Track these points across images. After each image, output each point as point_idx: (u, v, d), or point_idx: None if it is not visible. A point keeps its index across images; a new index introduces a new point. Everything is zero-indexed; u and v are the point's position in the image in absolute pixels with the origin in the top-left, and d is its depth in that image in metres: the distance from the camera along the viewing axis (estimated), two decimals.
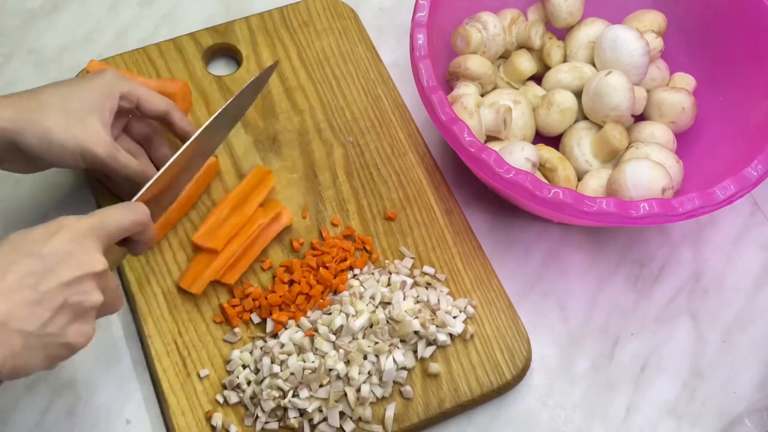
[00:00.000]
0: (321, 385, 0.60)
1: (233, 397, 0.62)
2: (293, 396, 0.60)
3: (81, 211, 0.70)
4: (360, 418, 0.61)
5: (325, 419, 0.60)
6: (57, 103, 0.61)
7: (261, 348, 0.63)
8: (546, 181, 0.67)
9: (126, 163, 0.63)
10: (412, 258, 0.68)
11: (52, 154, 0.60)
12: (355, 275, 0.67)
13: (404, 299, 0.64)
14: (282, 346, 0.62)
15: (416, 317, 0.63)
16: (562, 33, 0.78)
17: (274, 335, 0.64)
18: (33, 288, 0.49)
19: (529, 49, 0.76)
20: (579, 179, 0.71)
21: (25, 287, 0.49)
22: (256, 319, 0.65)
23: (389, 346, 0.62)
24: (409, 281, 0.66)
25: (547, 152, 0.71)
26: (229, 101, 0.65)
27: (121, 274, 0.67)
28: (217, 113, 0.64)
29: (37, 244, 0.51)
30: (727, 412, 0.67)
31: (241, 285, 0.66)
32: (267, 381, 0.61)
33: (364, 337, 0.62)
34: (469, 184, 0.74)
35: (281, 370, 0.61)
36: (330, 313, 0.63)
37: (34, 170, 0.63)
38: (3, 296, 0.48)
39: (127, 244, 0.58)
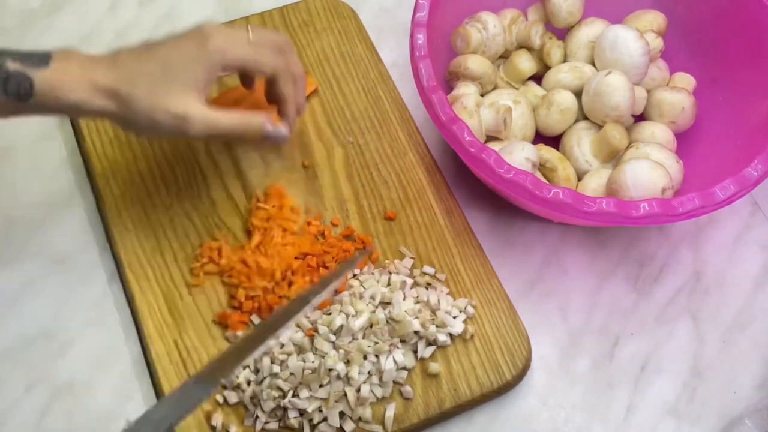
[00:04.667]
0: (321, 385, 0.60)
1: (233, 397, 0.62)
2: (293, 396, 0.60)
3: (81, 212, 0.71)
4: (360, 418, 0.61)
5: (325, 419, 0.60)
6: (146, 87, 0.57)
7: None
8: (546, 181, 0.67)
9: (227, 126, 0.60)
10: (412, 258, 0.68)
11: (152, 130, 0.58)
12: (355, 275, 0.67)
13: (404, 299, 0.64)
14: (282, 346, 0.62)
15: (416, 317, 0.63)
16: (562, 33, 0.78)
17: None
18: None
19: (529, 49, 0.76)
20: (579, 179, 0.71)
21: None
22: (256, 319, 0.65)
23: (389, 346, 0.62)
24: (409, 281, 0.66)
25: (547, 152, 0.71)
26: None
27: (121, 274, 0.67)
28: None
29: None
30: (727, 412, 0.67)
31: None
32: (267, 381, 0.61)
33: (364, 337, 0.62)
34: (469, 184, 0.74)
35: (281, 370, 0.61)
36: (330, 313, 0.63)
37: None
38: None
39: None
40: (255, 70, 0.62)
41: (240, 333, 0.64)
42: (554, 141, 0.74)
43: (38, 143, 0.73)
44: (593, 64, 0.74)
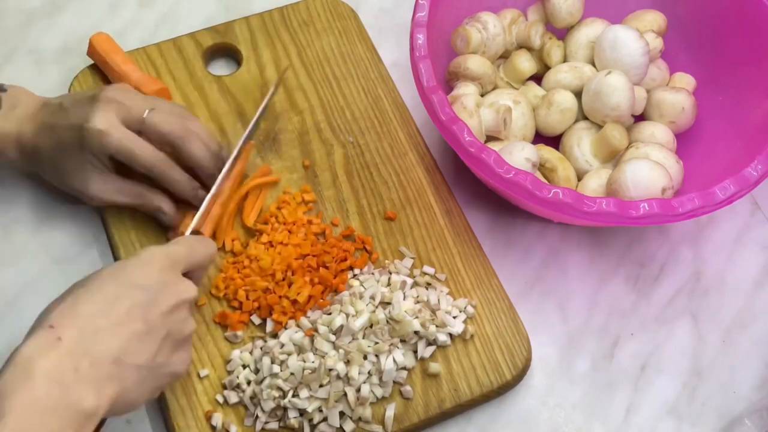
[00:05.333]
0: (321, 385, 0.60)
1: (233, 397, 0.62)
2: (293, 396, 0.60)
3: (81, 212, 0.70)
4: (360, 418, 0.61)
5: (325, 419, 0.60)
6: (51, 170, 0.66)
7: (261, 348, 0.63)
8: (546, 181, 0.67)
9: (122, 202, 0.65)
10: (412, 258, 0.68)
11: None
12: (355, 275, 0.67)
13: (404, 299, 0.64)
14: (282, 346, 0.62)
15: (416, 317, 0.63)
16: (562, 33, 0.78)
17: (274, 335, 0.64)
18: (141, 320, 0.49)
19: (529, 49, 0.76)
20: (579, 179, 0.71)
21: (134, 319, 0.49)
22: (256, 319, 0.65)
23: (389, 346, 0.62)
24: (409, 281, 0.66)
25: (547, 152, 0.71)
26: (256, 116, 0.71)
27: None
28: (248, 130, 0.70)
29: (134, 276, 0.51)
30: (727, 412, 0.67)
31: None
32: (267, 381, 0.61)
33: (364, 337, 0.62)
34: (469, 184, 0.74)
35: (281, 370, 0.61)
36: (330, 313, 0.63)
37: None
38: (115, 330, 0.48)
39: None
40: (139, 158, 0.63)
41: (240, 333, 0.64)
42: (554, 141, 0.74)
43: None
44: (593, 64, 0.74)
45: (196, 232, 0.63)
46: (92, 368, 0.46)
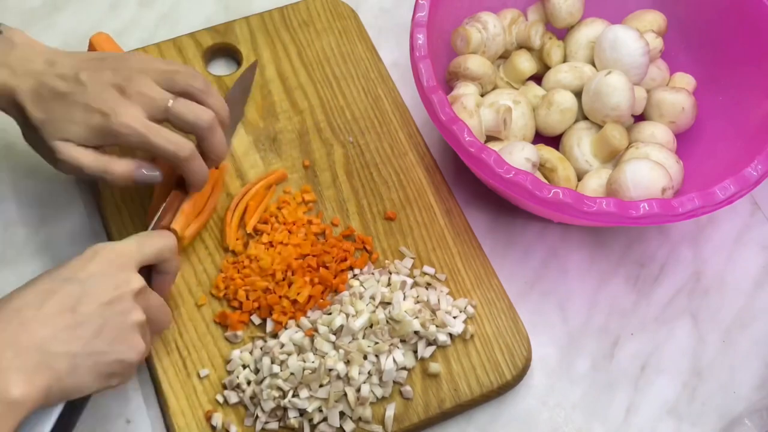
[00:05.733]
0: (321, 385, 0.60)
1: (233, 397, 0.62)
2: (293, 396, 0.60)
3: (81, 212, 0.71)
4: (360, 418, 0.61)
5: (325, 419, 0.60)
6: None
7: (261, 348, 0.63)
8: (546, 181, 0.67)
9: (87, 165, 0.59)
10: (412, 258, 0.68)
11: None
12: (355, 275, 0.67)
13: (404, 299, 0.64)
14: (282, 346, 0.62)
15: (416, 317, 0.63)
16: (562, 33, 0.78)
17: (274, 335, 0.64)
18: (72, 311, 0.51)
19: (529, 49, 0.76)
20: (579, 179, 0.71)
21: (64, 311, 0.51)
22: (256, 320, 0.65)
23: (389, 346, 0.62)
24: (409, 281, 0.66)
25: (547, 152, 0.71)
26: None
27: None
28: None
29: (74, 270, 0.53)
30: (727, 412, 0.67)
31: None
32: (267, 381, 0.61)
33: (364, 337, 0.62)
34: (469, 184, 0.74)
35: (281, 370, 0.61)
36: (330, 313, 0.63)
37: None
38: (44, 322, 0.50)
39: (152, 280, 0.60)
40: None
41: (240, 333, 0.64)
42: (554, 141, 0.74)
43: None
44: (593, 64, 0.74)
45: (164, 229, 0.63)
46: (17, 357, 0.48)
